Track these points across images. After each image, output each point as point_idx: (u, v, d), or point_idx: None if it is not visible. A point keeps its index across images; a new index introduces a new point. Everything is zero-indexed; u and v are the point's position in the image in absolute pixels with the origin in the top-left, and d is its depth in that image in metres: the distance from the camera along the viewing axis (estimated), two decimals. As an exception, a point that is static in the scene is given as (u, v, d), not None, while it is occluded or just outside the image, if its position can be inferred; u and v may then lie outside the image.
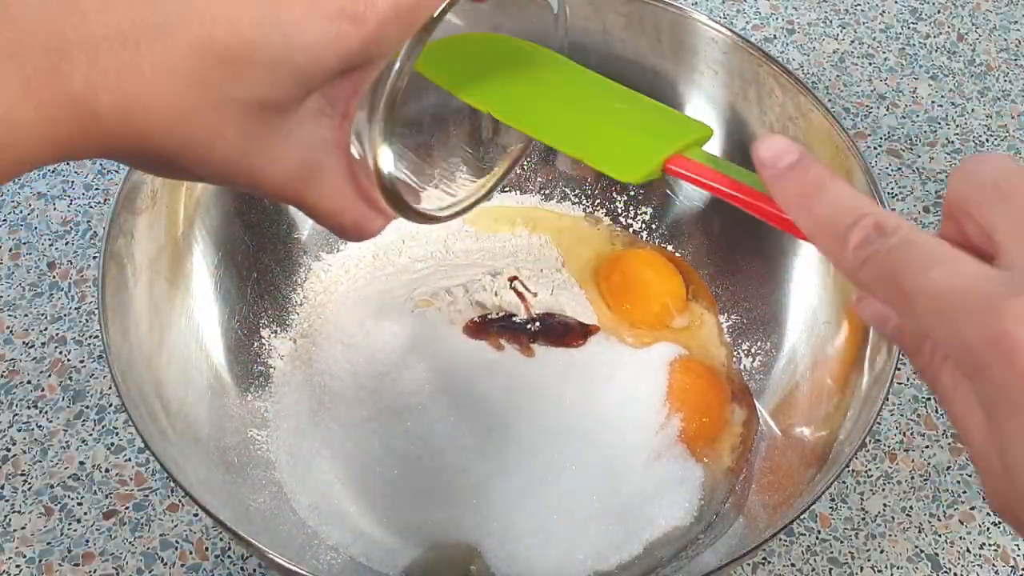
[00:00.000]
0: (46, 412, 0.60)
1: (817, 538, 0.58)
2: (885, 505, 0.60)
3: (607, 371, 0.59)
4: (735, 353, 0.62)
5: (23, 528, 0.56)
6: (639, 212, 0.67)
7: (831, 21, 0.83)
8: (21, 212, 0.69)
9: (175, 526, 0.57)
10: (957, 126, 0.77)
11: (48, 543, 0.56)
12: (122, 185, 0.52)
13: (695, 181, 0.34)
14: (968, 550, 0.58)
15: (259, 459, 0.56)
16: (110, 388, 0.61)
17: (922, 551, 0.58)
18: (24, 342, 0.63)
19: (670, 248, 0.66)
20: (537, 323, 0.60)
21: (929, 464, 0.61)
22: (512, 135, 0.41)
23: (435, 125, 0.45)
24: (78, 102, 0.28)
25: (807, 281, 0.59)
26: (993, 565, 0.58)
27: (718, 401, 0.59)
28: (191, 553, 0.56)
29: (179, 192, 0.55)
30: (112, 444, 0.59)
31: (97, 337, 0.63)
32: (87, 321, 0.64)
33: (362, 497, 0.55)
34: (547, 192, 0.68)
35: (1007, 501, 0.27)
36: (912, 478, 0.61)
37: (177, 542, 0.56)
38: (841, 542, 0.58)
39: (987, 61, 0.81)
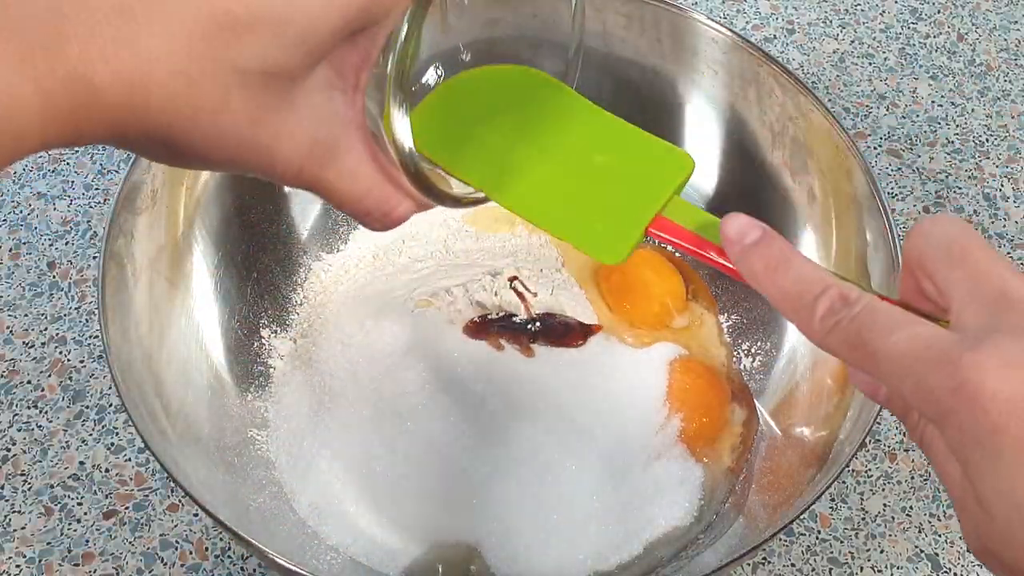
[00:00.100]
0: (46, 412, 0.60)
1: (817, 538, 0.58)
2: (885, 505, 0.60)
3: (607, 371, 0.59)
4: (735, 353, 0.62)
5: (23, 528, 0.56)
6: (639, 212, 0.66)
7: (831, 21, 0.83)
8: (21, 212, 0.69)
9: (175, 526, 0.57)
10: (957, 126, 0.77)
11: (48, 543, 0.56)
12: (122, 185, 0.52)
13: (674, 244, 0.35)
14: (968, 550, 0.58)
15: (259, 459, 0.56)
16: (110, 388, 0.61)
17: (922, 551, 0.58)
18: (24, 342, 0.63)
19: (670, 248, 0.66)
20: (537, 323, 0.60)
21: (929, 464, 0.61)
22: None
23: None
24: (76, 76, 0.27)
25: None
26: (993, 565, 0.58)
27: (718, 401, 0.59)
28: (191, 553, 0.56)
29: (179, 192, 0.55)
30: (112, 444, 0.59)
31: (97, 337, 0.63)
32: (87, 321, 0.64)
33: (362, 497, 0.55)
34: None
35: (985, 541, 0.28)
36: (912, 478, 0.61)
37: (177, 542, 0.56)
38: (841, 542, 0.58)
39: (987, 61, 0.81)
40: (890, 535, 0.59)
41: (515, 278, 0.62)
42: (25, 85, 0.27)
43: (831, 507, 0.59)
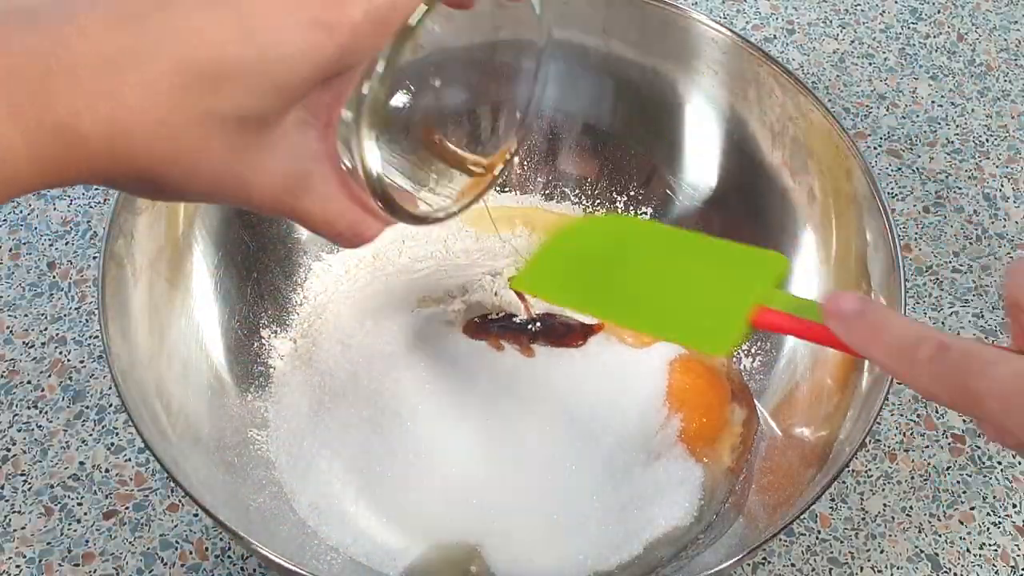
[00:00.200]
0: (46, 412, 0.60)
1: (817, 538, 0.58)
2: (885, 505, 0.60)
3: (607, 371, 0.59)
4: (735, 353, 0.62)
5: (23, 528, 0.56)
6: (639, 212, 0.67)
7: (831, 21, 0.83)
8: (21, 212, 0.69)
9: (175, 526, 0.57)
10: (957, 126, 0.77)
11: (48, 543, 0.56)
12: (122, 185, 0.52)
13: (781, 331, 0.37)
14: (968, 550, 0.58)
15: (259, 459, 0.56)
16: (110, 388, 0.61)
17: (922, 551, 0.58)
18: (24, 342, 0.63)
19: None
20: (537, 323, 0.60)
21: (929, 464, 0.61)
22: (509, 135, 0.41)
23: (429, 127, 0.45)
24: (63, 127, 0.29)
25: (807, 281, 0.59)
26: (993, 565, 0.58)
27: (718, 401, 0.59)
28: (191, 553, 0.56)
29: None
30: (112, 444, 0.59)
31: (97, 337, 0.63)
32: (87, 321, 0.64)
33: (362, 497, 0.55)
34: (547, 192, 0.68)
35: None
36: (912, 478, 0.61)
37: (177, 542, 0.56)
38: (841, 542, 0.58)
39: (987, 61, 0.81)
40: (890, 535, 0.59)
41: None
42: (15, 136, 0.28)
43: (831, 507, 0.59)
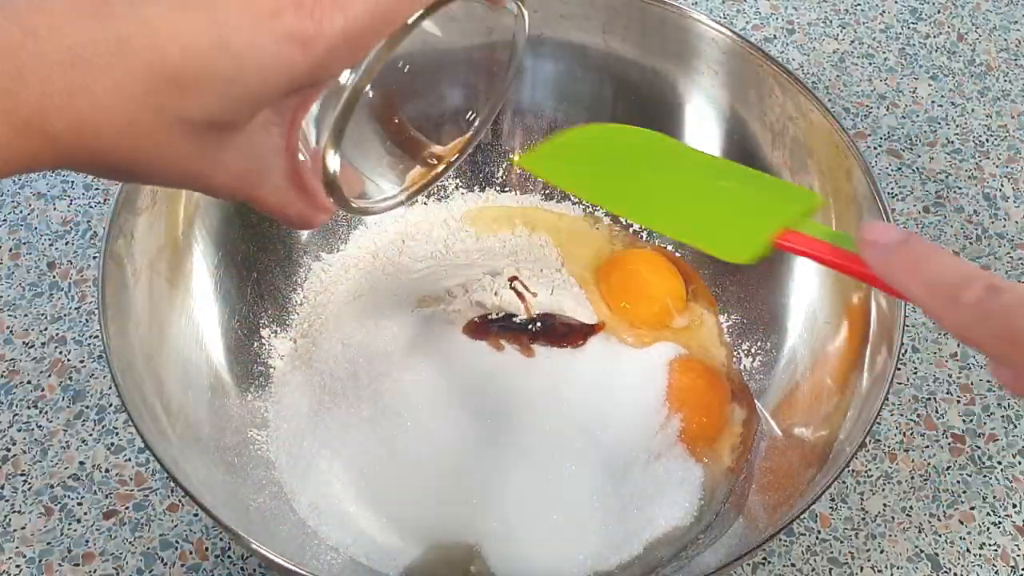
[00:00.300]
0: (46, 412, 0.60)
1: (817, 538, 0.58)
2: (885, 505, 0.60)
3: (607, 371, 0.59)
4: (735, 353, 0.62)
5: (23, 528, 0.56)
6: (639, 212, 0.67)
7: (831, 21, 0.83)
8: (21, 212, 0.69)
9: (175, 526, 0.57)
10: (957, 126, 0.77)
11: (48, 543, 0.56)
12: (122, 185, 0.52)
13: (805, 254, 0.35)
14: (968, 550, 0.58)
15: (259, 459, 0.56)
16: (110, 388, 0.61)
17: (922, 551, 0.58)
18: (24, 342, 0.63)
19: (670, 248, 0.66)
20: (538, 323, 0.60)
21: (929, 464, 0.61)
22: (468, 127, 0.42)
23: (391, 108, 0.45)
24: (31, 124, 0.29)
25: (807, 281, 0.59)
26: (993, 565, 0.58)
27: (718, 401, 0.59)
28: (191, 553, 0.56)
29: (179, 192, 0.55)
30: (112, 444, 0.59)
31: (97, 337, 0.63)
32: (87, 321, 0.64)
33: (362, 497, 0.55)
34: (547, 192, 0.68)
35: None
36: (912, 478, 0.61)
37: (177, 542, 0.56)
38: (841, 542, 0.58)
39: (987, 61, 0.81)
40: (890, 535, 0.59)
41: (515, 278, 0.62)
42: None
43: (831, 507, 0.59)
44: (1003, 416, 0.63)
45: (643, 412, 0.58)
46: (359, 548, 0.53)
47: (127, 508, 0.57)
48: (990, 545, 0.58)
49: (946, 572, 0.57)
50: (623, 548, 0.54)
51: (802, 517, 0.56)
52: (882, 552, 0.58)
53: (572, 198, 0.67)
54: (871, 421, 0.48)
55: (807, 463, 0.53)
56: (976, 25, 0.84)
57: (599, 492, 0.55)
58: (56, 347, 0.63)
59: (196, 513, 0.57)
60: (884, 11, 0.84)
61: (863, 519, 0.59)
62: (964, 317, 0.30)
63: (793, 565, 0.57)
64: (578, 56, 0.64)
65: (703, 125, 0.63)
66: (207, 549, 0.56)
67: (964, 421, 0.63)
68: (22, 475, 0.58)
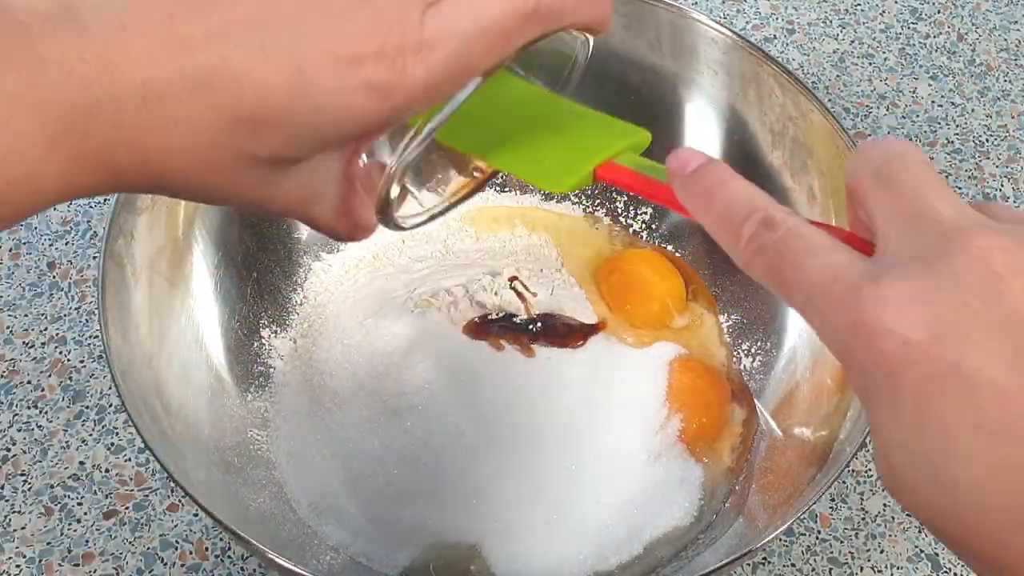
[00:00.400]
0: (46, 412, 0.60)
1: (817, 538, 0.58)
2: (885, 505, 0.60)
3: (607, 371, 0.59)
4: (735, 353, 0.62)
5: (23, 528, 0.56)
6: (639, 212, 0.67)
7: (831, 21, 0.83)
8: (21, 212, 0.69)
9: (175, 526, 0.57)
10: (957, 126, 0.77)
11: (48, 543, 0.56)
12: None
13: (624, 185, 0.35)
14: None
15: (259, 459, 0.56)
16: (110, 388, 0.61)
17: (922, 551, 0.58)
18: (24, 342, 0.63)
19: (670, 248, 0.66)
20: (538, 323, 0.60)
21: (929, 464, 0.61)
22: None
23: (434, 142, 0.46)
24: (98, 158, 0.28)
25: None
26: (993, 565, 0.58)
27: (718, 401, 0.59)
28: (191, 553, 0.56)
29: (179, 192, 0.55)
30: (112, 444, 0.59)
31: (97, 337, 0.63)
32: (87, 321, 0.64)
33: (362, 497, 0.55)
34: (547, 192, 0.68)
35: (889, 484, 0.26)
36: (912, 478, 0.61)
37: (177, 542, 0.56)
38: (841, 542, 0.58)
39: (987, 61, 0.81)
40: (890, 535, 0.59)
41: (515, 278, 0.62)
42: (49, 169, 0.28)
43: (831, 507, 0.59)
44: (1003, 416, 0.63)
45: (643, 412, 0.58)
46: (359, 548, 0.53)
47: (127, 508, 0.57)
48: (990, 545, 0.58)
49: (946, 572, 0.57)
50: (623, 548, 0.54)
51: (802, 517, 0.56)
52: (882, 552, 0.58)
53: (572, 198, 0.67)
54: (871, 421, 0.48)
55: (807, 463, 0.53)
56: (976, 25, 0.84)
57: (599, 492, 0.55)
58: (56, 347, 0.63)
59: (196, 513, 0.57)
60: (884, 11, 0.84)
61: (863, 519, 0.59)
62: (743, 251, 0.28)
63: (793, 565, 0.57)
64: (578, 56, 0.64)
65: (703, 125, 0.63)
66: (207, 549, 0.56)
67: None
68: (22, 475, 0.58)
